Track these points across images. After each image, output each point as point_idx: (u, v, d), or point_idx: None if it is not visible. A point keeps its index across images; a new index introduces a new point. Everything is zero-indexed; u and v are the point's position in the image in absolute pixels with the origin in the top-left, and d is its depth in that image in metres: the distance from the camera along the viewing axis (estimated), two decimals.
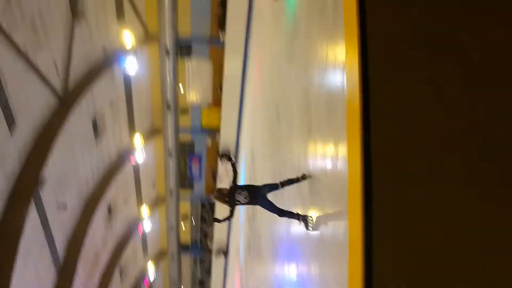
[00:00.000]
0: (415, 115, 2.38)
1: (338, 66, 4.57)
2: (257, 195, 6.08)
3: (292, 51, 8.12)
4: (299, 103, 7.02)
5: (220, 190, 6.30)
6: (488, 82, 2.40)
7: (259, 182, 12.76)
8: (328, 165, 4.99)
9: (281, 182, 6.22)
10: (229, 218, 6.41)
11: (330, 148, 4.90)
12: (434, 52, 2.54)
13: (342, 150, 3.92)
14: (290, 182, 6.17)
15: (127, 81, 19.34)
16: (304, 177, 5.98)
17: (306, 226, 5.74)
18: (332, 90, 4.91)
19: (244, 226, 16.75)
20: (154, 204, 26.18)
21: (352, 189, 2.60)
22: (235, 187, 6.15)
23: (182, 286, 29.79)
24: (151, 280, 27.96)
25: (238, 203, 6.06)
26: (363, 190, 2.32)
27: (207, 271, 30.61)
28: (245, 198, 5.98)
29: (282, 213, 6.07)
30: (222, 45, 18.81)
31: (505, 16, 2.55)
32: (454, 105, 2.41)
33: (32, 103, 12.93)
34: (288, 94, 8.40)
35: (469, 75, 2.45)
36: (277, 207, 6.09)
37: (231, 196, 6.03)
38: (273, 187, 6.22)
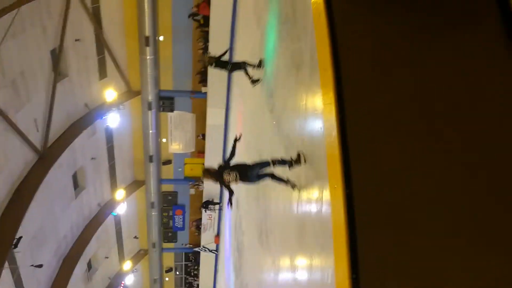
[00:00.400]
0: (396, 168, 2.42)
1: (317, 115, 4.86)
2: (247, 174, 5.96)
3: (272, 102, 8.47)
4: (281, 152, 7.25)
5: (208, 170, 6.24)
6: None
7: (244, 229, 12.72)
8: (313, 209, 5.13)
9: (272, 160, 6.01)
10: (230, 195, 6.30)
11: (314, 194, 5.06)
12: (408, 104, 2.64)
13: (326, 195, 4.10)
14: (282, 162, 5.92)
15: (109, 136, 19.43)
16: (298, 160, 5.65)
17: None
18: (313, 139, 5.16)
19: (231, 277, 16.34)
20: (137, 258, 25.32)
21: (337, 234, 2.66)
22: (224, 167, 6.00)
23: None
24: None
25: (227, 183, 5.97)
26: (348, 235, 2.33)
27: None
28: (235, 178, 5.92)
29: (273, 175, 6.03)
30: (204, 96, 19.34)
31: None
32: (434, 158, 2.42)
33: (10, 160, 12.83)
34: (271, 141, 8.65)
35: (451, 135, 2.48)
36: (267, 173, 5.98)
37: (219, 176, 5.94)
38: (264, 165, 6.05)
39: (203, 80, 19.48)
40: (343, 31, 2.78)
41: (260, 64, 8.62)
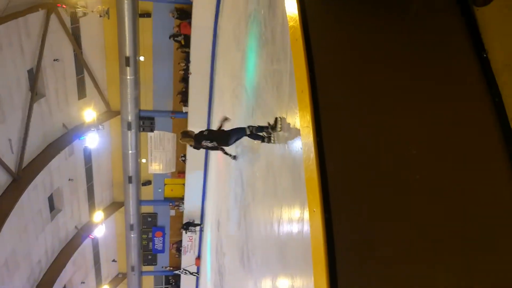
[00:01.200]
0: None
1: (295, 137, 4.89)
2: (224, 140, 6.36)
3: (253, 121, 8.49)
4: (263, 172, 7.24)
5: (186, 132, 6.54)
6: None
7: (225, 251, 12.54)
8: (294, 229, 5.10)
9: (249, 126, 6.25)
10: (223, 151, 6.76)
11: (295, 214, 5.05)
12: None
13: (306, 215, 4.08)
14: (259, 129, 6.18)
15: (87, 156, 19.07)
16: (275, 125, 5.84)
17: (275, 127, 5.80)
18: (294, 156, 5.18)
19: None
20: (115, 282, 24.55)
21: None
22: (203, 134, 6.40)
23: None
24: None
25: (204, 147, 6.41)
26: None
27: None
28: (211, 142, 6.34)
29: (251, 132, 6.22)
30: (185, 116, 19.28)
31: None
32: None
33: None
34: (251, 164, 8.63)
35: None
36: (244, 132, 6.25)
37: (197, 140, 6.31)
38: (240, 132, 6.38)
39: (184, 100, 19.48)
40: (320, 55, 2.83)
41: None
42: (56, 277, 17.86)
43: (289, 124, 5.54)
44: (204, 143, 6.43)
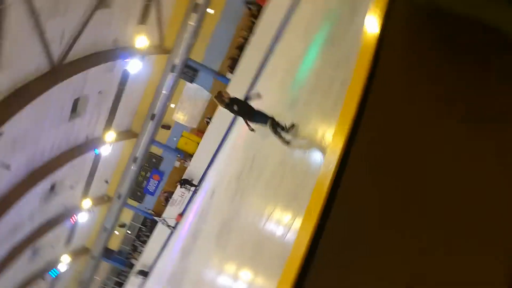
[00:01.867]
0: None
1: (320, 145, 4.85)
2: (249, 113, 6.97)
3: (292, 115, 8.44)
4: (274, 166, 7.23)
5: (220, 93, 7.07)
6: None
7: (209, 219, 12.71)
8: (279, 231, 5.11)
9: (272, 118, 6.71)
10: (251, 129, 7.11)
11: (286, 217, 5.05)
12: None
13: (297, 223, 4.09)
14: (277, 124, 6.65)
15: (123, 79, 19.42)
16: (290, 128, 6.51)
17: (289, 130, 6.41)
18: (309, 166, 5.15)
19: (176, 258, 16.30)
20: (98, 201, 25.28)
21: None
22: (237, 100, 7.05)
23: None
24: (60, 271, 26.23)
25: (232, 110, 7.00)
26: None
27: (119, 286, 29.13)
28: (238, 109, 6.98)
29: (271, 125, 6.65)
30: (227, 82, 19.31)
31: None
32: None
33: (23, 60, 12.84)
34: (267, 154, 8.63)
35: None
36: (265, 121, 6.71)
37: (230, 103, 6.95)
38: (264, 117, 6.81)
39: (232, 67, 19.50)
40: (380, 87, 2.75)
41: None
42: (51, 172, 18.50)
43: (317, 132, 5.50)
44: (235, 107, 6.99)
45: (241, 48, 19.09)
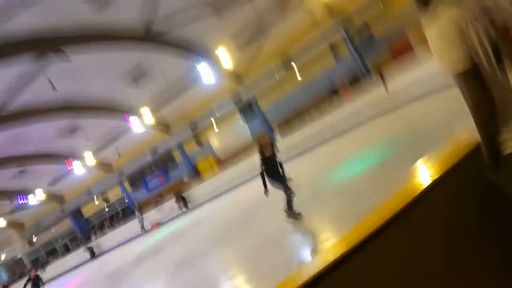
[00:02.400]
0: None
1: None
2: (275, 174, 6.98)
3: None
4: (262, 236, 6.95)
5: (269, 139, 7.52)
6: None
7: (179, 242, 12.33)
8: None
9: (291, 194, 6.97)
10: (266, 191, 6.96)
11: None
12: None
13: None
14: (290, 205, 6.97)
15: (194, 77, 19.93)
16: (298, 216, 6.89)
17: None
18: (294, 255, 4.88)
19: None
20: (100, 165, 25.36)
21: None
22: (275, 155, 7.19)
23: None
24: (27, 202, 26.16)
25: (265, 161, 6.99)
26: None
27: (66, 249, 28.43)
28: (269, 165, 7.00)
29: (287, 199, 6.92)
30: (273, 140, 19.47)
31: None
32: None
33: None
34: (261, 220, 8.37)
35: None
36: (284, 189, 6.93)
37: (269, 155, 7.05)
38: (285, 188, 6.96)
39: (285, 132, 19.63)
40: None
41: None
42: (82, 116, 18.99)
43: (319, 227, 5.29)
44: (269, 160, 7.01)
45: (303, 120, 19.39)
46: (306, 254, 5.66)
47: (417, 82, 13.44)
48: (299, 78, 19.22)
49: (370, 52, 17.82)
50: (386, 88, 15.19)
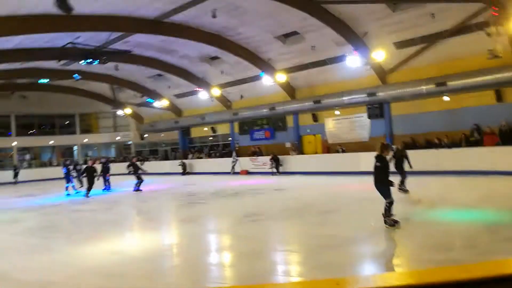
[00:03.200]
0: None
1: None
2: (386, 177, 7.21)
3: None
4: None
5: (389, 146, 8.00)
6: None
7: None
8: None
9: (391, 201, 7.25)
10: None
11: None
12: None
13: None
14: (388, 211, 7.22)
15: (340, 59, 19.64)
16: (397, 224, 7.21)
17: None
18: None
19: None
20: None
21: None
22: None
23: None
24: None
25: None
26: None
27: None
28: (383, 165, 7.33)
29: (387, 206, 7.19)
30: None
31: None
32: None
33: None
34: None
35: None
36: (390, 194, 7.19)
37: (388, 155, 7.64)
38: (387, 193, 7.21)
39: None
40: None
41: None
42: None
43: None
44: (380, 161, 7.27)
45: (429, 142, 18.00)
46: (364, 265, 5.51)
47: None
48: (446, 99, 17.57)
49: None
50: None
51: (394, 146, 15.03)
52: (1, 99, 31.07)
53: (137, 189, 17.07)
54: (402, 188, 11.05)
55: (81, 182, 18.78)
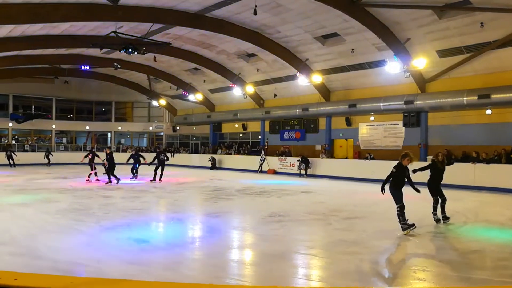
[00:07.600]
0: None
1: None
2: (397, 183, 7.79)
3: None
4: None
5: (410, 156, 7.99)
6: None
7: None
8: None
9: (402, 206, 7.72)
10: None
11: None
12: None
13: None
14: (401, 216, 7.65)
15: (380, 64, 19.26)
16: (412, 227, 7.65)
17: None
18: None
19: None
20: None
21: None
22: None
23: None
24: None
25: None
26: None
27: None
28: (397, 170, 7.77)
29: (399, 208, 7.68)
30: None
31: None
32: None
33: None
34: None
35: None
36: (402, 199, 7.70)
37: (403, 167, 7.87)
38: (399, 197, 7.75)
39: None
40: None
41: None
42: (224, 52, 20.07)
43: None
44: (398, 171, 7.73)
45: (466, 156, 17.31)
46: (387, 277, 5.33)
47: None
48: (489, 112, 16.82)
49: None
50: None
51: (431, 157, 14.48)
52: (46, 83, 32.48)
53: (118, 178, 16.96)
54: (436, 215, 8.73)
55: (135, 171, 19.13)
